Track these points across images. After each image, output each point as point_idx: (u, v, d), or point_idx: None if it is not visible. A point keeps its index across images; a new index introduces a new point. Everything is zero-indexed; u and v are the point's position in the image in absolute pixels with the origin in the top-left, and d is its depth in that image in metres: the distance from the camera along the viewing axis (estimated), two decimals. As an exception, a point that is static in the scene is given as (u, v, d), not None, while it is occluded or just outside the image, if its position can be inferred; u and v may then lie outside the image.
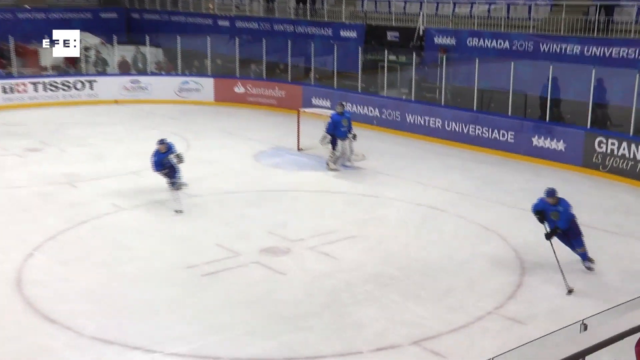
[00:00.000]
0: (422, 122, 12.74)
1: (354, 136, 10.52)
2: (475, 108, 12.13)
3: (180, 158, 8.65)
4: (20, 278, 6.38)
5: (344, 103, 10.91)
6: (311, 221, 8.11)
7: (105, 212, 8.36)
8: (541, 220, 6.49)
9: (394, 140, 12.61)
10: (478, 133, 11.82)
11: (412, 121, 12.93)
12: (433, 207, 8.67)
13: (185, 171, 10.49)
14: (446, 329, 5.49)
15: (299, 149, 11.68)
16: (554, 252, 6.29)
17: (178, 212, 8.30)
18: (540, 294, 6.09)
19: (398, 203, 8.90)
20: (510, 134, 11.39)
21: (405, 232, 7.82)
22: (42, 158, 11.23)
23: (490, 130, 11.64)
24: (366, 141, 12.08)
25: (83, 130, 13.30)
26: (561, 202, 6.43)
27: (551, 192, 6.45)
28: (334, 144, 10.50)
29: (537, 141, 11.00)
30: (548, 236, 6.40)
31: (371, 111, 13.66)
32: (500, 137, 11.51)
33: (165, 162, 8.58)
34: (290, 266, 6.79)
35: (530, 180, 9.95)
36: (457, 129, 12.16)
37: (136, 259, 6.93)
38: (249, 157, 11.23)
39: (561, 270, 6.12)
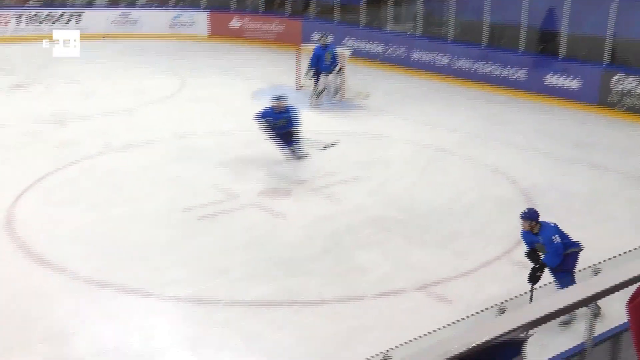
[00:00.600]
0: (429, 59, 12.17)
1: (340, 70, 9.99)
2: (485, 44, 11.52)
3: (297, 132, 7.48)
4: (9, 220, 6.14)
5: (328, 34, 10.35)
6: (312, 162, 7.82)
7: (96, 153, 8.04)
8: (533, 259, 4.51)
9: (398, 78, 12.10)
10: (488, 70, 11.30)
11: (418, 58, 12.35)
12: (439, 148, 8.36)
13: (179, 110, 10.14)
14: (452, 274, 5.32)
15: (298, 87, 11.19)
16: (532, 291, 4.43)
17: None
18: (550, 239, 5.88)
19: (403, 144, 8.60)
20: (522, 72, 10.86)
21: (410, 174, 7.56)
22: (29, 96, 10.77)
23: (500, 67, 11.11)
24: (369, 79, 11.59)
25: (71, 66, 12.65)
26: (543, 230, 4.43)
27: (524, 215, 4.48)
28: (317, 78, 10.03)
29: (551, 79, 10.49)
30: (530, 278, 4.43)
31: (375, 47, 13.01)
32: (511, 75, 11.00)
33: (277, 125, 7.39)
34: (291, 209, 6.56)
35: (542, 121, 9.59)
36: (465, 66, 11.62)
37: (129, 201, 6.69)
38: (246, 96, 10.77)
39: (532, 290, 4.48)
